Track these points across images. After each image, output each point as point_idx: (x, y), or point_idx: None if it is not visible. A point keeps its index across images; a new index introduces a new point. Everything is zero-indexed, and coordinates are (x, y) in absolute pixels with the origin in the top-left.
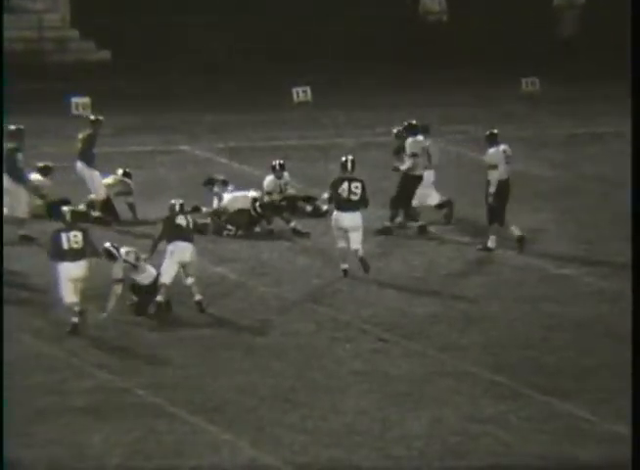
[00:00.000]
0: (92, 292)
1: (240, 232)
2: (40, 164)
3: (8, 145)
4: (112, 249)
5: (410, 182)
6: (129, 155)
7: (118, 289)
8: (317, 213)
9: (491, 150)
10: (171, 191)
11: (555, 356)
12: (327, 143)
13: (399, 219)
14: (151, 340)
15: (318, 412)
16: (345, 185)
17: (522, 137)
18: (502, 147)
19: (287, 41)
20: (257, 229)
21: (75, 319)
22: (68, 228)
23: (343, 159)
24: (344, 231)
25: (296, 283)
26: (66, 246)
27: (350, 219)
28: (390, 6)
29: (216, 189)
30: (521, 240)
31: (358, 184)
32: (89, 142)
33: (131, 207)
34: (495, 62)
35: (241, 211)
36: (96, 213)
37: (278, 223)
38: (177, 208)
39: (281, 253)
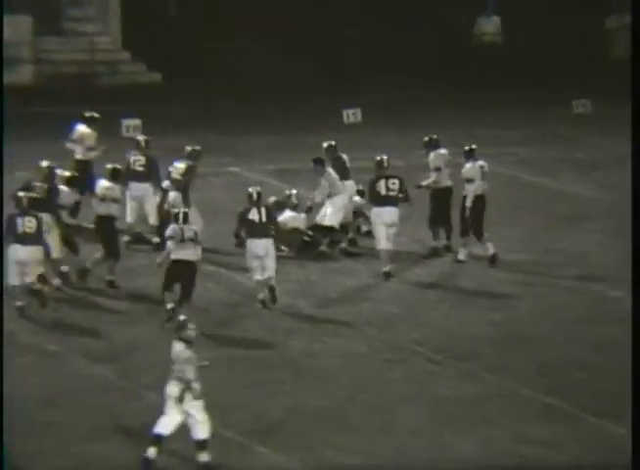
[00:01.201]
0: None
1: (292, 253)
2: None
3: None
4: (181, 213)
5: (440, 196)
6: None
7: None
8: (368, 234)
9: (468, 164)
10: (221, 213)
11: (608, 379)
12: None
13: (444, 240)
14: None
15: (368, 434)
16: (382, 182)
17: (572, 159)
18: (479, 163)
19: (337, 63)
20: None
21: (19, 303)
22: (24, 213)
23: (378, 158)
24: (386, 227)
25: (345, 304)
26: (20, 230)
27: (388, 214)
28: (444, 27)
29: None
30: (493, 259)
31: (396, 181)
32: (191, 176)
33: None
34: (547, 83)
35: (295, 231)
36: (155, 239)
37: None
38: (254, 196)
39: (330, 274)
